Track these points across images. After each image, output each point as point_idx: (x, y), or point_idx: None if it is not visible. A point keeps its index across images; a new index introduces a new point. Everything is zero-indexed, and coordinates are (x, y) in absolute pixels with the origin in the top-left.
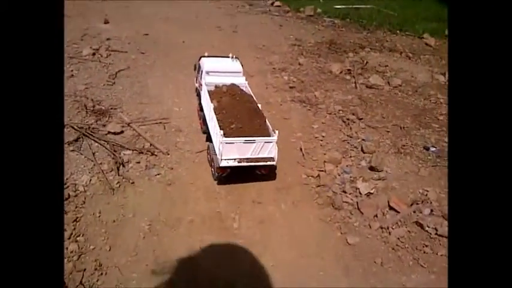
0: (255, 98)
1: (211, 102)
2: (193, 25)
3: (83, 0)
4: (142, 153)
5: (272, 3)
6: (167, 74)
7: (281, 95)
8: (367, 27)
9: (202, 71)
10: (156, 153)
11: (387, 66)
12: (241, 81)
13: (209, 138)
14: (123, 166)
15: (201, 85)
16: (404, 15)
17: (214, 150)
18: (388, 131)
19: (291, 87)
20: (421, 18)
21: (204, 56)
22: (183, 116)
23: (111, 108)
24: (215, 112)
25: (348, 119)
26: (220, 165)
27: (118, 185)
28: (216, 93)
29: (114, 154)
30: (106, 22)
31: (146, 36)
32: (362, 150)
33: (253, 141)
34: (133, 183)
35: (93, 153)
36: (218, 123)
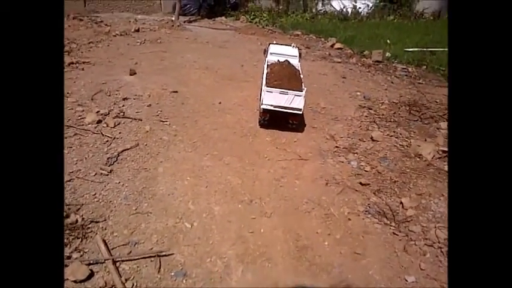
0: (300, 71)
1: (266, 69)
2: (237, 77)
3: (117, 43)
4: None
5: (332, 45)
6: (188, 156)
7: (348, 201)
8: None
9: (267, 53)
10: None
11: None
12: (295, 62)
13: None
14: None
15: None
16: None
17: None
18: None
19: (363, 185)
20: None
21: (272, 44)
22: (195, 243)
23: (91, 222)
24: (266, 75)
25: None
26: (261, 107)
27: None
28: (272, 64)
29: None
30: (132, 73)
31: (174, 95)
32: None
33: (286, 93)
34: None
35: None
36: (266, 79)
